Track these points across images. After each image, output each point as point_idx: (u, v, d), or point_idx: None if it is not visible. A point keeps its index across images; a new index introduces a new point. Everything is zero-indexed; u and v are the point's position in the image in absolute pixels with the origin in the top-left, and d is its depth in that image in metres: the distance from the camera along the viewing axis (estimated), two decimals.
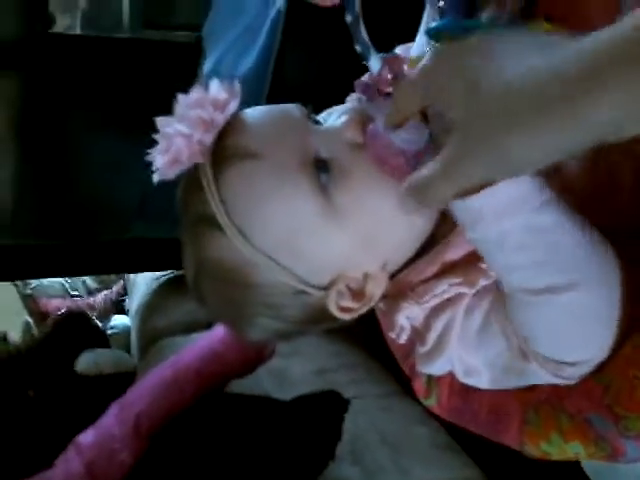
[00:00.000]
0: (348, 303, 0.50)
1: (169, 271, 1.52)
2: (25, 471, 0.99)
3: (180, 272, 1.62)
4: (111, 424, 1.01)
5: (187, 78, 1.63)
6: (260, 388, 1.09)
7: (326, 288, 0.49)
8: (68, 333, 1.40)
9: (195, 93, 0.49)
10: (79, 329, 1.43)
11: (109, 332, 1.58)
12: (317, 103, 1.21)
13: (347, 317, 0.51)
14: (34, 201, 1.42)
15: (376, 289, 0.50)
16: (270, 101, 1.33)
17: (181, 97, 0.50)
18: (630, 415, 0.45)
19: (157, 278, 1.52)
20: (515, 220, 0.42)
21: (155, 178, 0.50)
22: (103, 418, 1.02)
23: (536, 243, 0.43)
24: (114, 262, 1.47)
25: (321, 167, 0.47)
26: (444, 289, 0.50)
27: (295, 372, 1.20)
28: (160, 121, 0.50)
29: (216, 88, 0.49)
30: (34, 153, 1.44)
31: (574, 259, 0.44)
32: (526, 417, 0.53)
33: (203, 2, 1.68)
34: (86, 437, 1.01)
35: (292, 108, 0.51)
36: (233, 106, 0.49)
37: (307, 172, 0.47)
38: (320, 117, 0.52)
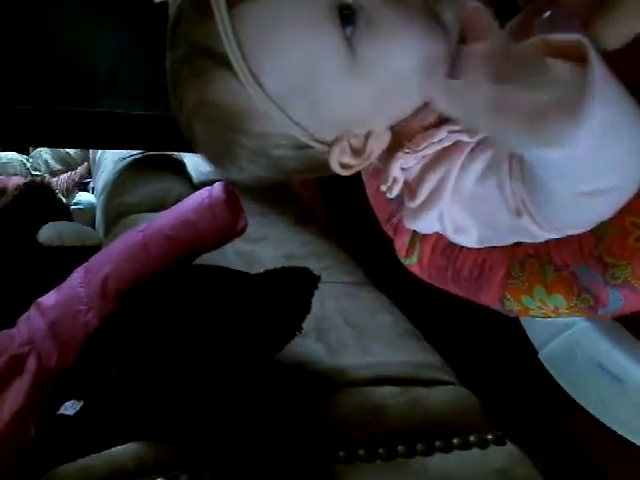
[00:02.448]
0: (348, 159, 0.49)
1: (137, 151, 1.47)
2: None
3: (149, 152, 1.57)
4: (76, 286, 0.99)
5: None
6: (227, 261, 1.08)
7: (330, 144, 0.48)
8: (30, 204, 1.36)
9: None
10: (41, 201, 1.39)
11: (73, 207, 1.54)
12: None
13: (345, 173, 0.50)
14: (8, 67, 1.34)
15: (377, 146, 0.49)
16: None
17: None
18: (619, 263, 0.46)
19: (124, 158, 1.48)
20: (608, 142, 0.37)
21: None
22: (67, 281, 1.00)
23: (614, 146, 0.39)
24: (81, 135, 1.42)
25: (347, 15, 0.44)
26: (442, 137, 0.49)
27: (263, 256, 1.19)
28: None
29: None
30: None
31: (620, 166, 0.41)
32: (511, 271, 0.53)
33: None
34: (49, 298, 0.99)
35: None
36: None
37: (332, 19, 0.43)
38: None
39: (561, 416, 0.92)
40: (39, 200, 1.41)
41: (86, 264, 1.01)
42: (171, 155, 1.47)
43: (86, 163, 1.86)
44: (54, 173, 1.93)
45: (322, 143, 0.48)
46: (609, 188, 0.40)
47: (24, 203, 1.38)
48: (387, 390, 0.85)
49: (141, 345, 0.90)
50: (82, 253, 1.26)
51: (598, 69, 0.35)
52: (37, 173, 1.91)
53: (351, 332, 1.01)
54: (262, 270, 1.01)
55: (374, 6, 0.44)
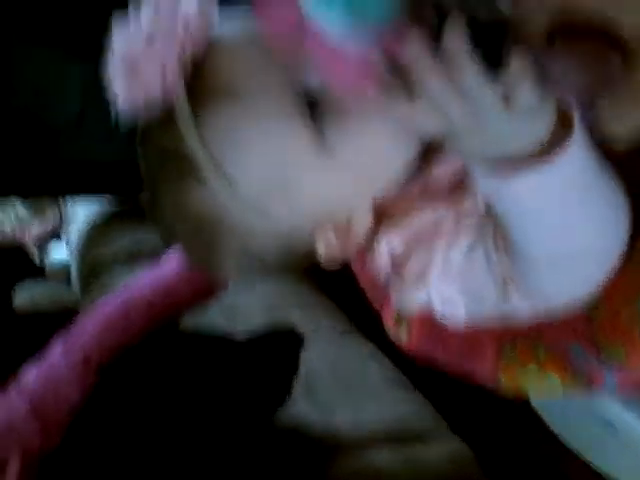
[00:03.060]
0: (333, 243, 0.48)
1: (108, 197, 1.45)
2: None
3: (121, 205, 1.55)
4: (56, 360, 0.96)
5: None
6: (211, 324, 1.06)
7: (313, 233, 0.47)
8: (2, 267, 1.33)
9: (164, 13, 0.43)
10: (14, 263, 1.36)
11: (47, 265, 1.50)
12: None
13: (332, 262, 0.49)
14: None
15: (360, 228, 0.49)
16: None
17: (144, 9, 0.43)
18: (612, 344, 0.45)
19: (96, 208, 1.46)
20: (542, 176, 0.39)
21: (119, 105, 0.44)
22: (47, 354, 0.98)
23: (566, 201, 0.40)
24: (50, 184, 1.39)
25: (311, 100, 0.43)
26: (427, 214, 0.49)
27: (247, 308, 1.18)
28: (117, 37, 0.44)
29: (189, 6, 0.43)
30: None
31: (600, 224, 0.42)
32: (502, 351, 0.53)
33: None
34: (28, 374, 0.96)
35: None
36: (209, 28, 0.43)
37: (298, 111, 0.43)
38: None
39: (556, 465, 0.92)
40: (12, 262, 1.38)
41: (65, 335, 0.99)
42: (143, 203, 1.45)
43: (57, 209, 1.82)
44: (24, 223, 1.89)
45: (304, 232, 0.47)
46: (582, 250, 0.41)
47: None
48: (383, 452, 0.84)
49: (128, 421, 0.88)
50: (59, 316, 1.24)
51: (579, 131, 0.38)
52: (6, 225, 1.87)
53: (340, 387, 1.00)
54: (244, 323, 0.99)
55: (338, 95, 0.43)
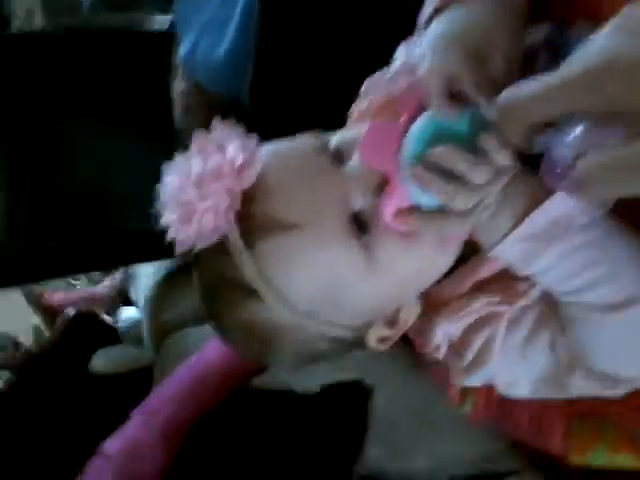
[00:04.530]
0: (383, 332, 0.51)
1: (167, 261, 1.50)
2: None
3: (179, 262, 1.59)
4: (138, 431, 1.01)
5: (162, 67, 1.57)
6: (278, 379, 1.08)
7: (364, 328, 0.50)
8: (79, 334, 1.39)
9: (213, 159, 0.46)
10: (89, 329, 1.42)
11: (119, 327, 1.57)
12: (307, 81, 1.17)
13: (383, 348, 0.52)
14: (28, 205, 1.39)
15: (409, 317, 0.51)
16: (256, 81, 1.27)
17: (194, 160, 0.46)
18: None
19: (158, 269, 1.50)
20: (563, 244, 0.42)
21: (177, 250, 0.47)
22: (127, 427, 1.02)
23: (589, 262, 0.42)
24: (116, 255, 1.45)
25: (360, 223, 0.46)
26: (481, 306, 0.50)
27: None
28: (171, 182, 0.47)
29: (234, 150, 0.46)
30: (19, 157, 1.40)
31: (630, 272, 0.43)
32: (570, 429, 0.53)
33: None
34: (113, 444, 1.01)
35: (314, 151, 0.49)
36: (256, 169, 0.46)
37: (348, 235, 0.46)
38: (336, 142, 0.50)
39: None
40: (86, 328, 1.44)
41: (143, 407, 1.03)
42: None
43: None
44: (93, 280, 1.97)
45: (355, 330, 0.50)
46: (620, 299, 0.41)
47: (73, 335, 1.41)
48: None
49: None
50: (136, 377, 1.29)
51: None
52: (77, 283, 1.95)
53: (413, 428, 1.00)
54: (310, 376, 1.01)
55: (379, 212, 0.46)
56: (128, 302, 1.74)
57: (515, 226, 0.43)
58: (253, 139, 0.48)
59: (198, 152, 0.47)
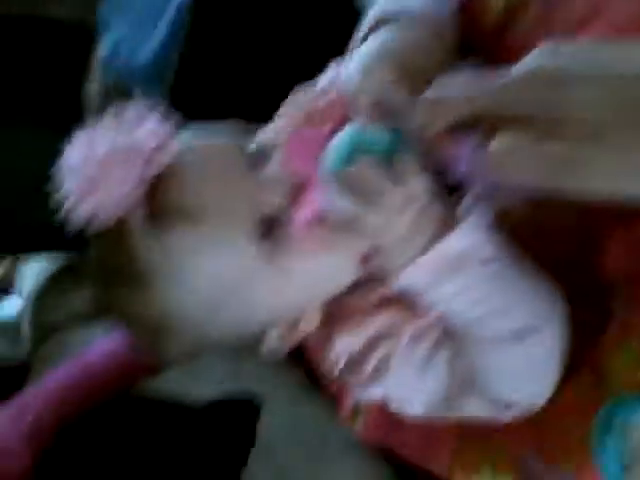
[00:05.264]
0: (281, 338, 0.50)
1: (62, 255, 1.42)
2: None
3: (75, 258, 1.52)
4: (5, 425, 0.94)
5: (80, 63, 1.51)
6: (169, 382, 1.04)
7: (260, 330, 0.50)
8: None
9: (123, 139, 0.44)
10: None
11: None
12: (227, 92, 1.16)
13: (277, 353, 0.51)
14: None
15: (309, 324, 0.51)
16: (175, 91, 1.25)
17: (104, 140, 0.44)
18: (563, 461, 0.46)
19: (50, 262, 1.42)
20: (465, 276, 0.43)
21: (72, 225, 0.45)
22: None
23: (489, 293, 0.43)
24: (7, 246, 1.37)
25: (267, 228, 0.46)
26: (382, 321, 0.50)
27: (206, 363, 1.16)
28: (76, 156, 0.44)
29: (147, 134, 0.44)
30: None
31: (529, 303, 0.45)
32: (457, 449, 0.54)
33: None
34: None
35: (233, 152, 0.48)
36: (167, 156, 0.45)
37: (254, 237, 0.45)
38: (255, 147, 0.50)
39: None
40: None
41: (13, 403, 0.96)
42: None
43: (9, 261, 1.77)
44: None
45: (253, 332, 0.49)
46: (520, 329, 0.43)
47: None
48: None
49: None
50: (7, 374, 1.20)
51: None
52: None
53: (299, 451, 0.98)
54: (204, 380, 0.98)
55: (290, 218, 0.46)
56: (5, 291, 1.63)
57: (421, 253, 0.44)
58: (169, 124, 0.47)
59: (109, 129, 0.45)
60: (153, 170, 0.44)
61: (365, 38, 0.53)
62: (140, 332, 0.50)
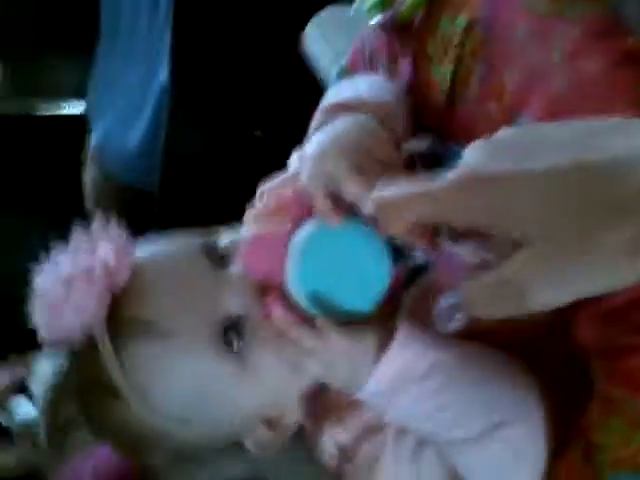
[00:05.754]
0: (264, 436, 0.50)
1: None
2: None
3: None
4: None
5: (74, 153, 1.55)
6: None
7: (241, 432, 0.50)
8: None
9: (83, 259, 0.45)
10: None
11: (13, 424, 1.46)
12: (211, 174, 1.19)
13: (265, 451, 0.51)
14: None
15: (291, 420, 0.51)
16: (165, 173, 1.29)
17: (64, 259, 0.46)
18: None
19: (58, 359, 1.43)
20: (410, 392, 0.43)
21: (42, 337, 0.47)
22: None
23: (445, 402, 0.43)
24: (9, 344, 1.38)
25: (233, 330, 0.47)
26: (367, 415, 0.50)
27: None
28: (42, 281, 0.46)
29: (105, 252, 0.45)
30: None
31: (492, 401, 0.44)
32: None
33: (81, 68, 1.61)
34: None
35: (194, 256, 0.49)
36: (126, 272, 0.46)
37: (219, 345, 0.46)
38: (223, 245, 0.51)
39: None
40: None
41: None
42: None
43: (23, 360, 1.78)
44: None
45: (233, 435, 0.49)
46: (488, 427, 0.42)
47: None
48: None
49: None
50: None
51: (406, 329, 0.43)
52: None
53: None
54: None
55: (256, 312, 0.46)
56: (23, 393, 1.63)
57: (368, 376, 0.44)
58: (126, 240, 0.48)
59: (70, 251, 0.47)
60: (114, 287, 0.46)
61: (318, 128, 0.54)
62: (121, 443, 0.51)
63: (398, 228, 0.38)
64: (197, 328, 0.46)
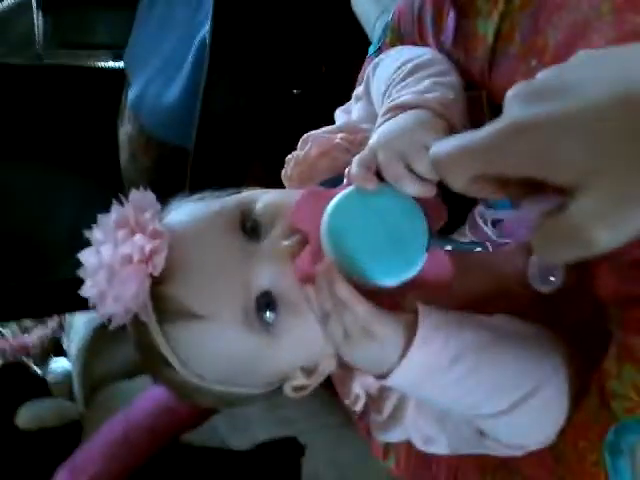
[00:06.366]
0: (301, 382, 0.51)
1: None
2: None
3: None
4: None
5: (111, 107, 1.57)
6: (214, 430, 1.06)
7: (281, 382, 0.50)
8: (5, 386, 1.34)
9: (122, 247, 0.46)
10: (17, 380, 1.37)
11: (49, 378, 1.51)
12: (247, 132, 1.18)
13: (299, 395, 0.52)
14: None
15: (327, 367, 0.51)
16: (200, 131, 1.28)
17: (105, 245, 0.47)
18: None
19: (92, 320, 1.47)
20: (435, 384, 0.43)
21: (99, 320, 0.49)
22: None
23: (473, 384, 0.44)
24: (47, 304, 1.41)
25: (265, 304, 0.47)
26: None
27: (247, 411, 1.18)
28: (86, 263, 0.47)
29: (142, 238, 0.46)
30: None
31: (521, 373, 0.45)
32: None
33: (122, 22, 1.62)
34: None
35: (230, 232, 0.49)
36: (162, 255, 0.47)
37: (253, 319, 0.47)
38: (259, 209, 0.50)
39: None
40: (14, 380, 1.38)
41: (69, 463, 0.99)
42: None
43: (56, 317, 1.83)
44: (26, 328, 1.90)
45: (273, 385, 0.50)
46: (519, 399, 0.42)
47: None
48: None
49: None
50: (64, 432, 1.24)
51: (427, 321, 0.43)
52: (7, 332, 1.88)
53: None
54: (247, 427, 0.99)
55: (292, 289, 0.46)
56: (60, 352, 1.68)
57: (401, 359, 0.44)
58: (160, 214, 0.49)
59: (109, 237, 0.47)
60: (153, 270, 0.47)
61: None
62: (174, 390, 0.53)
63: (458, 182, 0.38)
64: (231, 309, 0.47)
